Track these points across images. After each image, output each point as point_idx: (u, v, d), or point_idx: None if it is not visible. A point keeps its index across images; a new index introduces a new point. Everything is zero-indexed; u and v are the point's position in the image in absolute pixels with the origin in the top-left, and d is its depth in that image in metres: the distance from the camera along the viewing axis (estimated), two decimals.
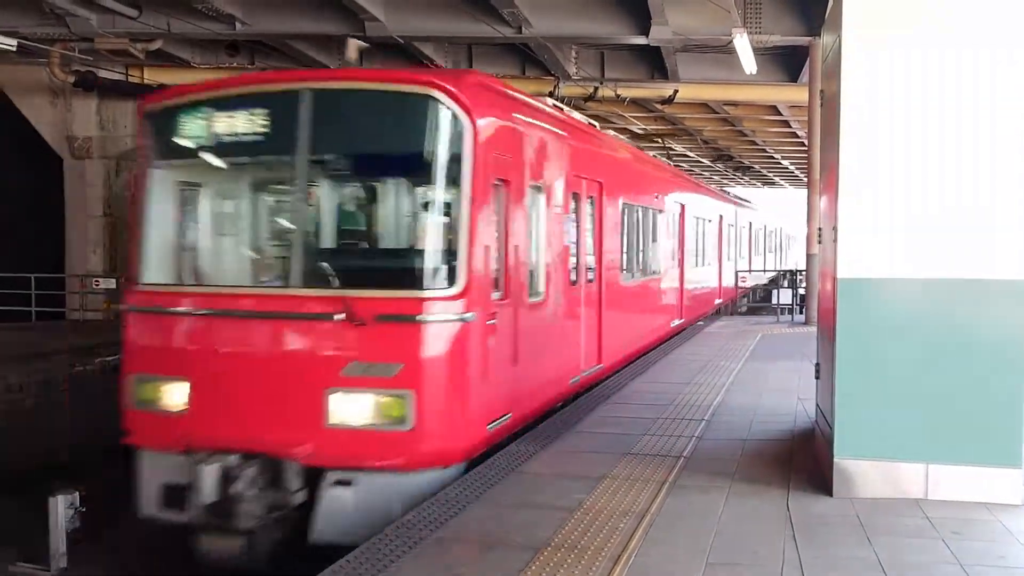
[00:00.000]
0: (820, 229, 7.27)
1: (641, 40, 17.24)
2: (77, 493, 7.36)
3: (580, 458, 7.34)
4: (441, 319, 6.71)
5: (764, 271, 34.59)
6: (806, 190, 19.19)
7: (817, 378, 7.32)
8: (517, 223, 7.91)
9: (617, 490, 6.37)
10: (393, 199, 7.94)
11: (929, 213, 5.94)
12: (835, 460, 6.13)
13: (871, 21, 6.02)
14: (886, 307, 6.08)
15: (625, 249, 12.96)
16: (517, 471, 6.92)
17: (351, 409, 6.55)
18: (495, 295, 7.38)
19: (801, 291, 20.94)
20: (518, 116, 8.17)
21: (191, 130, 7.46)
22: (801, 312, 20.17)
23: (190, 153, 7.56)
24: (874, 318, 6.08)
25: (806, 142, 22.12)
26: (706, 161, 41.09)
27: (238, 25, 16.05)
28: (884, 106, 5.99)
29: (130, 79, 20.21)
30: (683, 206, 18.03)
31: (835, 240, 6.17)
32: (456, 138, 6.86)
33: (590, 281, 10.63)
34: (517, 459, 7.24)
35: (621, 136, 20.56)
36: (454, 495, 6.26)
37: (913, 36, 5.95)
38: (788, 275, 23.67)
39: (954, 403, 5.95)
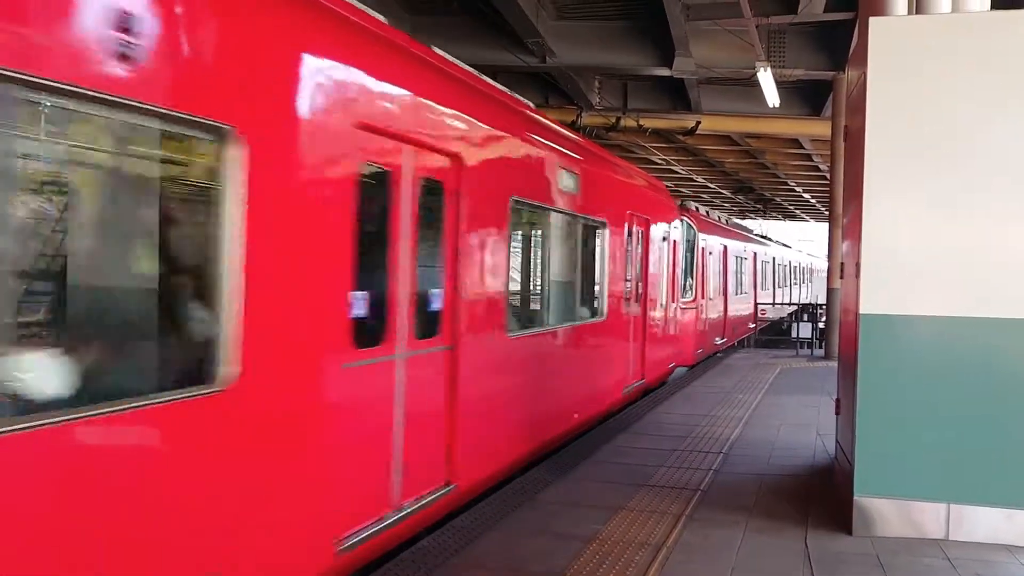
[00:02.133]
0: (843, 264, 7.24)
1: (664, 72, 17.37)
2: None
3: (597, 488, 7.30)
4: None
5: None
6: (827, 224, 19.15)
7: (837, 414, 7.26)
8: None
9: (633, 521, 6.33)
10: None
11: (954, 250, 5.91)
12: (855, 498, 6.07)
13: (897, 58, 6.03)
14: (909, 344, 6.04)
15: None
16: (533, 499, 6.89)
17: None
18: None
19: (821, 325, 20.82)
20: None
21: None
22: (821, 346, 20.05)
23: None
24: (897, 355, 6.04)
25: (828, 176, 22.12)
26: (727, 193, 41.07)
27: None
28: (909, 142, 5.98)
29: None
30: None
31: (858, 275, 6.15)
32: None
33: None
34: (534, 487, 7.22)
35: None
36: (470, 521, 6.23)
37: (939, 73, 5.95)
38: (808, 309, 23.45)
39: (977, 443, 5.89)
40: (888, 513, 6.03)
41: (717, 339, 20.45)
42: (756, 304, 25.90)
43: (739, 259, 23.69)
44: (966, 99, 5.90)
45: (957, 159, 5.92)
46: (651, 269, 12.53)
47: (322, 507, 4.61)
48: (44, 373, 3.39)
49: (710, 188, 39.23)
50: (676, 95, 20.86)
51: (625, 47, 17.02)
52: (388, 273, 5.35)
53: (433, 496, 5.84)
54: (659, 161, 30.74)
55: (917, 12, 7.81)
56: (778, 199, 45.37)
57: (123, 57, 3.34)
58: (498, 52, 16.48)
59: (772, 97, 16.76)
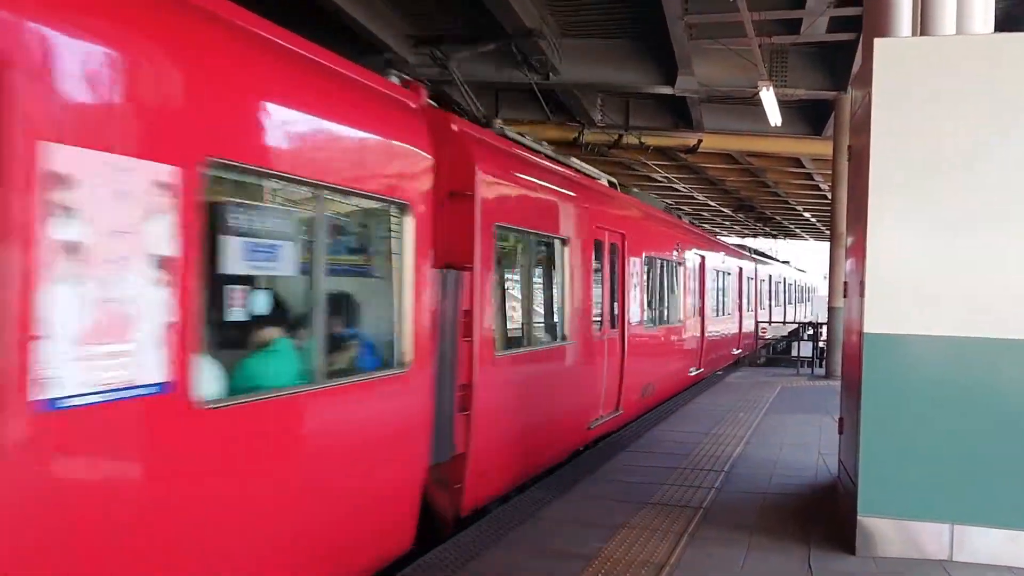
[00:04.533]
0: (846, 283, 7.24)
1: (667, 90, 17.43)
2: None
3: (598, 506, 7.27)
4: None
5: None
6: (828, 243, 19.18)
7: (840, 433, 7.24)
8: None
9: (635, 540, 6.30)
10: None
11: (959, 271, 5.91)
12: (858, 517, 6.04)
13: (902, 79, 6.05)
14: (913, 364, 6.03)
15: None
16: (535, 516, 6.86)
17: None
18: None
19: (821, 344, 20.81)
20: None
21: None
22: (821, 365, 20.02)
23: None
24: (901, 374, 6.02)
25: (829, 195, 22.15)
26: (727, 211, 41.15)
27: None
28: (914, 163, 5.99)
29: None
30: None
31: (862, 295, 6.14)
32: None
33: None
34: (534, 505, 7.19)
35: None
36: (472, 538, 6.21)
37: (944, 94, 5.96)
38: (809, 327, 23.45)
39: (981, 463, 5.87)
40: (891, 533, 6.00)
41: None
42: None
43: None
44: (971, 120, 5.90)
45: (962, 180, 5.91)
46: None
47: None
48: None
49: (711, 206, 39.31)
50: (678, 113, 20.93)
51: (628, 65, 17.09)
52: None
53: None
54: (660, 179, 30.81)
55: (921, 34, 7.84)
56: (779, 218, 45.44)
57: None
58: (501, 69, 16.55)
59: (774, 116, 16.81)
